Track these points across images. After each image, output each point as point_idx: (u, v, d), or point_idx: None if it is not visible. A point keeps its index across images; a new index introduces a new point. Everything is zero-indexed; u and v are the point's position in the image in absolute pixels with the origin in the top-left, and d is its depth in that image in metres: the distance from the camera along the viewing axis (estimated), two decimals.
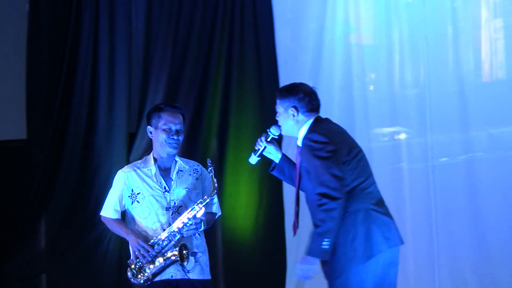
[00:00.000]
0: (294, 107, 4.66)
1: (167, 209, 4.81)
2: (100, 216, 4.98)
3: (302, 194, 4.76)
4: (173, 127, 4.83)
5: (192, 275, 4.79)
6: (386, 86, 6.84)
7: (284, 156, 4.93)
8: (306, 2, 7.01)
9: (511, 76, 6.62)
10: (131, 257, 4.81)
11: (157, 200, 4.81)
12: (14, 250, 7.38)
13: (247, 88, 7.18)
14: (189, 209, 4.71)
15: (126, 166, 5.02)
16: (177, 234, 4.69)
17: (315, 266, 4.54)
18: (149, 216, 4.80)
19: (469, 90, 6.59)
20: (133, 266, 4.77)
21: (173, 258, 4.68)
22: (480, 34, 6.63)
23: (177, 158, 4.94)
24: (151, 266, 4.71)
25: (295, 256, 6.96)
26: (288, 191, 7.00)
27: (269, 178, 7.07)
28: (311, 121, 4.69)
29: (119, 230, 4.89)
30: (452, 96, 6.63)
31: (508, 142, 6.55)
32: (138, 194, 4.83)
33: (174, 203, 4.83)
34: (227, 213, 7.15)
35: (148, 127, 4.89)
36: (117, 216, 4.89)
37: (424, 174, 6.68)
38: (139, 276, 4.75)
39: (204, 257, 4.89)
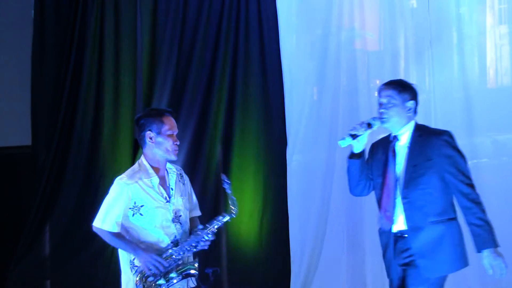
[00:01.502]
0: (414, 100, 4.70)
1: (173, 220, 4.68)
2: (94, 228, 4.70)
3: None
4: (175, 132, 4.74)
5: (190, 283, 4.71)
6: None
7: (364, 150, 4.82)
8: (311, 8, 7.02)
9: None
10: (137, 272, 4.60)
11: (161, 212, 4.65)
12: (19, 256, 7.39)
13: (252, 94, 7.19)
14: (209, 226, 4.65)
15: (126, 177, 4.67)
16: (192, 248, 4.61)
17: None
18: (155, 229, 4.62)
19: (474, 96, 6.57)
20: (144, 281, 4.56)
21: (192, 272, 4.61)
22: (485, 40, 6.61)
23: (169, 165, 4.81)
24: (161, 280, 4.54)
25: (299, 262, 6.96)
26: (293, 198, 7.00)
27: (274, 185, 7.08)
28: (414, 120, 4.74)
29: (125, 246, 4.63)
30: (457, 102, 6.61)
31: None
32: (141, 206, 4.61)
33: (175, 213, 4.70)
34: (232, 219, 7.12)
35: (149, 132, 4.67)
36: (118, 229, 4.62)
37: None
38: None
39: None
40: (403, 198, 4.56)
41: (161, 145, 4.67)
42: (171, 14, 7.32)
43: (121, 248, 4.70)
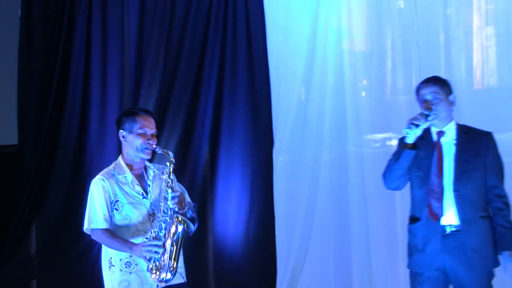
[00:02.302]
0: (453, 94, 4.83)
1: (150, 215, 4.66)
2: (85, 234, 4.63)
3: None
4: (149, 131, 4.70)
5: (175, 280, 4.63)
6: (378, 92, 6.85)
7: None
8: (298, 8, 7.01)
9: (502, 83, 6.61)
10: (148, 269, 4.51)
11: (136, 208, 4.64)
12: (5, 255, 7.38)
13: (239, 93, 7.19)
14: (161, 187, 4.59)
15: (100, 175, 4.67)
16: (166, 216, 4.52)
17: None
18: (130, 225, 4.61)
19: (461, 97, 6.50)
20: (155, 271, 4.50)
21: (179, 229, 4.49)
22: (472, 42, 6.62)
23: (147, 163, 4.79)
24: (166, 256, 4.48)
25: (285, 262, 6.97)
26: (279, 198, 7.01)
27: (261, 185, 7.08)
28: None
29: (120, 246, 4.55)
30: None
31: (501, 149, 6.55)
32: (116, 201, 4.62)
33: (153, 209, 4.67)
34: (218, 219, 7.14)
35: (121, 131, 4.69)
36: (108, 225, 4.58)
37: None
38: (164, 274, 4.50)
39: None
40: (455, 191, 4.66)
41: (132, 143, 4.67)
42: (158, 14, 7.31)
43: (116, 249, 4.61)
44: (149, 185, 4.72)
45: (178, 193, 4.57)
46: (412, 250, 4.84)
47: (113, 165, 4.77)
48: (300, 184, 6.97)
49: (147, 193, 4.69)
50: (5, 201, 7.67)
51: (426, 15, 6.68)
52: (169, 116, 7.24)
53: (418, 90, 4.87)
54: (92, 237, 4.66)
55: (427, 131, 4.78)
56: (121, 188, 4.65)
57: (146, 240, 4.55)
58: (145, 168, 4.80)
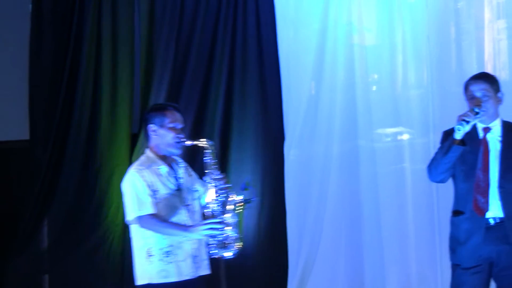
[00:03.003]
0: (501, 93, 4.88)
1: (186, 207, 4.76)
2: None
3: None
4: (178, 126, 4.80)
5: (202, 271, 4.78)
6: (389, 86, 6.82)
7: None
8: (308, 2, 6.99)
9: None
10: (213, 249, 4.63)
11: (173, 199, 4.72)
12: (17, 251, 7.39)
13: (250, 88, 7.18)
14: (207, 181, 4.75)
15: (135, 165, 4.74)
16: (219, 195, 4.68)
17: None
18: (168, 215, 4.67)
19: None
20: (217, 248, 4.60)
21: (238, 203, 4.68)
22: (483, 35, 6.59)
23: (175, 157, 4.88)
24: (227, 228, 4.59)
25: (296, 258, 6.96)
26: (290, 193, 7.00)
27: (271, 180, 7.08)
28: None
29: (175, 230, 4.63)
30: (455, 96, 6.54)
31: None
32: (155, 191, 4.67)
33: (186, 202, 4.78)
34: None
35: (151, 125, 4.77)
36: (155, 210, 4.63)
37: (427, 174, 6.65)
38: (227, 251, 4.63)
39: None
40: (500, 187, 4.75)
41: (163, 137, 4.76)
42: (168, 10, 7.30)
43: (169, 234, 4.66)
44: (181, 178, 4.82)
45: (223, 175, 4.77)
46: (454, 243, 4.94)
47: (144, 158, 4.81)
48: (311, 179, 6.96)
49: (180, 186, 4.78)
50: (16, 196, 7.69)
51: (437, 9, 6.65)
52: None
53: (467, 86, 4.92)
54: (140, 225, 4.66)
55: (472, 127, 4.83)
56: (159, 179, 4.71)
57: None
58: (173, 161, 4.87)
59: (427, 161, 6.57)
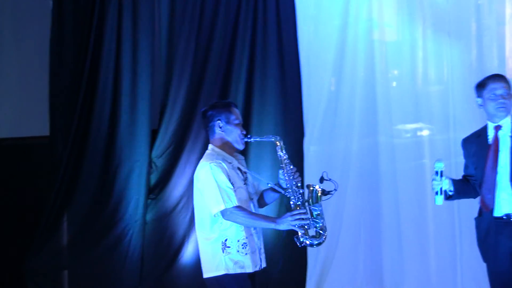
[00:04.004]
0: None
1: (251, 200, 4.90)
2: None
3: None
4: (241, 122, 4.97)
5: (263, 263, 4.94)
6: (409, 82, 6.82)
7: (452, 180, 5.06)
8: None
9: None
10: (302, 240, 4.73)
11: (244, 193, 4.84)
12: (37, 246, 7.40)
13: (270, 85, 7.18)
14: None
15: (210, 160, 4.79)
16: (293, 186, 4.86)
17: None
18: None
19: None
20: (307, 237, 4.74)
21: (319, 192, 4.86)
22: (504, 31, 6.59)
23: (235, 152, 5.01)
24: (317, 217, 4.79)
25: (316, 253, 6.95)
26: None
27: None
28: None
29: (262, 221, 4.75)
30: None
31: None
32: (233, 184, 4.77)
33: (250, 196, 4.92)
34: None
35: (218, 121, 4.87)
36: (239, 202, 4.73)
37: (447, 170, 6.61)
38: (315, 238, 4.77)
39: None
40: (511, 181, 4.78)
41: (231, 133, 4.89)
42: (189, 6, 7.31)
43: (256, 225, 4.81)
44: (247, 171, 4.97)
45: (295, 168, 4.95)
46: (478, 243, 5.04)
47: (212, 152, 4.90)
48: (330, 174, 6.90)
49: (247, 180, 4.93)
50: (37, 192, 7.71)
51: (457, 4, 6.67)
52: (198, 109, 7.21)
53: (484, 84, 4.97)
54: (225, 217, 4.72)
55: (483, 129, 4.97)
56: (232, 172, 4.82)
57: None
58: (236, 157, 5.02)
59: (447, 157, 6.59)
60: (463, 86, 6.62)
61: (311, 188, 4.89)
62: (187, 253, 7.28)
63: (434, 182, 4.93)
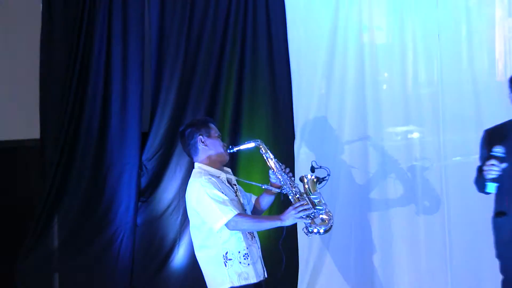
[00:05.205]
0: None
1: (245, 211, 4.94)
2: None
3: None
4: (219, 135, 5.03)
5: (265, 273, 4.99)
6: (399, 85, 6.81)
7: None
8: (319, 1, 6.98)
9: None
10: (308, 231, 4.85)
11: (237, 205, 4.84)
12: (27, 249, 7.39)
13: (260, 87, 7.17)
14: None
15: (200, 178, 4.82)
16: (288, 181, 4.98)
17: None
18: None
19: (483, 89, 6.56)
20: (318, 224, 4.84)
21: (314, 180, 4.99)
22: (494, 33, 6.59)
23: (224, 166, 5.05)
24: (319, 204, 4.89)
25: (306, 257, 6.94)
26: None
27: None
28: None
29: (268, 222, 4.89)
30: (466, 95, 6.60)
31: None
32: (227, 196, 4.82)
33: (244, 207, 4.96)
34: None
35: (200, 137, 4.93)
36: (238, 210, 4.78)
37: (437, 173, 6.65)
38: (323, 224, 4.85)
39: None
40: None
41: (214, 145, 4.96)
42: (179, 7, 7.30)
43: (263, 227, 4.96)
44: (236, 185, 5.00)
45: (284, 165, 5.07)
46: (499, 245, 5.02)
47: (200, 170, 4.92)
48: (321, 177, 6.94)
49: (237, 192, 4.97)
50: (27, 194, 7.70)
51: (447, 7, 6.66)
52: (188, 111, 7.23)
53: None
54: (230, 228, 4.74)
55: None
56: (223, 185, 4.84)
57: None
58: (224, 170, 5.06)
59: (438, 160, 6.59)
60: (453, 88, 6.63)
61: (305, 180, 4.98)
62: (178, 256, 7.28)
63: (494, 168, 4.74)
